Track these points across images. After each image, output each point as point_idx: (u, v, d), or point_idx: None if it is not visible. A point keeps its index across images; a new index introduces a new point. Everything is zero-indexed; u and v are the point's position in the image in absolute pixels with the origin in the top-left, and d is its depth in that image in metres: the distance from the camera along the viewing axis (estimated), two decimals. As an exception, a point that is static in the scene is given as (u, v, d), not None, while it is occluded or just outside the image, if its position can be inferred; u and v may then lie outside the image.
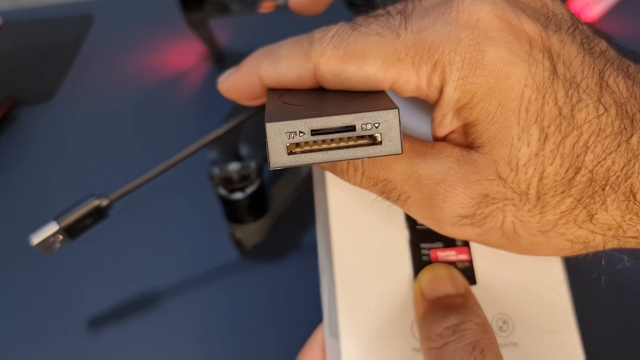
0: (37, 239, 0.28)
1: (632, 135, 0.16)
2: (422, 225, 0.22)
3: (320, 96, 0.18)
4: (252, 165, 0.36)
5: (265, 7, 0.55)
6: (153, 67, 0.60)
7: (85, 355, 0.35)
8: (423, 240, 0.22)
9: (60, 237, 0.28)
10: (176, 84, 0.57)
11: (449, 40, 0.17)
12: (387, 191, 0.19)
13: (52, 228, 0.28)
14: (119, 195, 0.28)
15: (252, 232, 0.39)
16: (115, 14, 0.69)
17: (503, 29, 0.17)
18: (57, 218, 0.28)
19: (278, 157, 0.16)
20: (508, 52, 0.16)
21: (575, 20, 0.18)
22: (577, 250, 0.18)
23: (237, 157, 0.38)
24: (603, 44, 0.18)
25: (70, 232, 0.28)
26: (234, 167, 0.36)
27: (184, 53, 0.61)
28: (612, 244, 0.18)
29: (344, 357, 0.20)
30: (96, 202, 0.28)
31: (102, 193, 0.28)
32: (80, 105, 0.56)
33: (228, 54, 0.59)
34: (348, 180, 0.20)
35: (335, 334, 0.21)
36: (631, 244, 0.18)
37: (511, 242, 0.19)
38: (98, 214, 0.29)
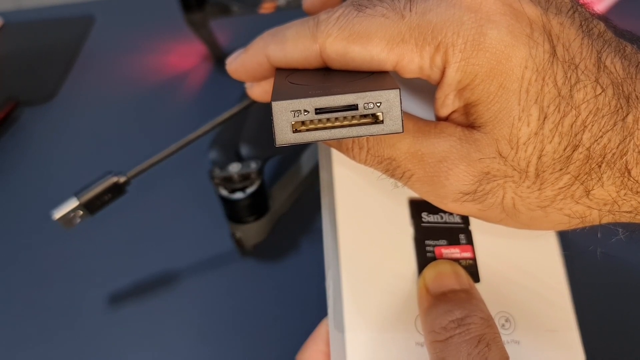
0: (58, 213, 0.29)
1: (627, 114, 0.17)
2: (427, 222, 0.23)
3: (326, 76, 0.19)
4: (253, 165, 0.37)
5: (266, 8, 0.55)
6: (154, 67, 0.60)
7: (78, 337, 0.36)
8: (428, 238, 0.22)
9: (80, 212, 0.29)
10: (177, 85, 0.57)
11: (452, 22, 0.17)
12: (391, 169, 0.20)
13: (72, 203, 0.29)
14: (136, 172, 0.29)
15: (252, 232, 0.39)
16: (116, 15, 0.70)
17: (505, 13, 0.17)
18: (77, 194, 0.29)
19: (283, 135, 0.16)
20: (509, 35, 0.17)
21: (574, 3, 0.18)
22: (574, 224, 0.19)
23: (238, 158, 0.38)
24: (601, 26, 0.18)
25: (90, 207, 0.29)
26: (234, 167, 0.37)
27: (184, 54, 0.61)
28: (607, 219, 0.19)
29: (349, 350, 0.21)
30: (114, 179, 0.29)
31: (119, 171, 0.30)
32: (81, 106, 0.57)
33: (228, 55, 0.59)
34: (353, 158, 0.21)
35: (340, 327, 0.21)
36: (626, 218, 0.19)
37: (511, 218, 0.19)
38: (116, 190, 0.30)
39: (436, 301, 0.20)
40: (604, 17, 0.19)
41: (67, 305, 0.38)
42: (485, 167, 0.18)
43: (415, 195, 0.22)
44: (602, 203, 0.18)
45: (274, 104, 0.16)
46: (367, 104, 0.16)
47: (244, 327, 0.36)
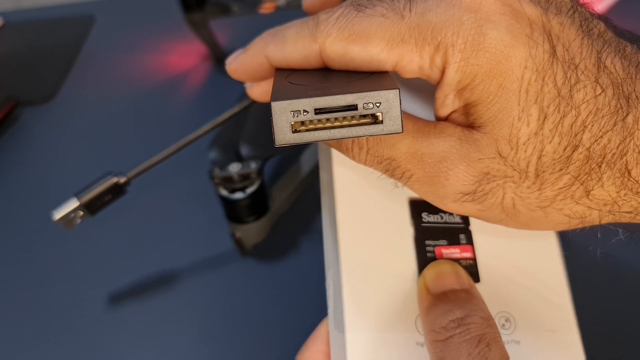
0: (58, 214, 0.29)
1: (627, 114, 0.17)
2: (427, 222, 0.23)
3: (326, 76, 0.19)
4: (253, 165, 0.37)
5: (266, 8, 0.55)
6: (154, 67, 0.60)
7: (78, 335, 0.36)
8: (428, 238, 0.22)
9: (81, 213, 0.29)
10: (177, 85, 0.57)
11: (452, 22, 0.17)
12: (391, 169, 0.20)
13: (72, 204, 0.29)
14: (137, 173, 0.29)
15: (252, 232, 0.39)
16: (116, 15, 0.70)
17: (504, 13, 0.17)
18: (77, 194, 0.29)
19: (283, 135, 0.16)
20: (509, 35, 0.17)
21: (574, 3, 0.18)
22: (574, 224, 0.19)
23: (238, 158, 0.38)
24: (601, 26, 0.18)
25: (90, 208, 0.30)
26: (234, 167, 0.37)
27: (184, 54, 0.61)
28: (607, 219, 0.19)
29: (349, 350, 0.21)
30: (114, 179, 0.30)
31: (119, 171, 0.30)
32: (81, 106, 0.57)
33: (228, 55, 0.59)
34: (353, 158, 0.21)
35: (340, 327, 0.21)
36: (626, 218, 0.19)
37: (511, 218, 0.19)
38: (117, 191, 0.30)
39: (436, 301, 0.20)
40: (604, 17, 0.19)
41: (67, 305, 0.38)
42: (485, 167, 0.18)
43: (415, 195, 0.22)
44: (602, 203, 0.18)
45: (273, 104, 0.16)
46: (367, 104, 0.16)
47: (244, 327, 0.36)
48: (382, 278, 0.22)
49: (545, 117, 0.17)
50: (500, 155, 0.18)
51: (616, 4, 0.58)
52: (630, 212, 0.18)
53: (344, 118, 0.16)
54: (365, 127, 0.16)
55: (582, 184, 0.17)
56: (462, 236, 0.23)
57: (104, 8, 0.71)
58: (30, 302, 0.39)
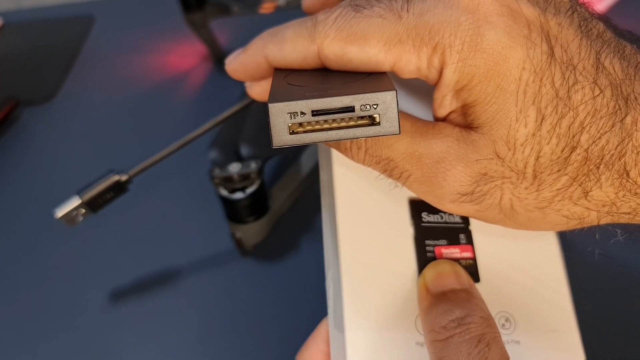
0: (60, 212, 0.29)
1: (626, 115, 0.17)
2: (427, 222, 0.23)
3: (324, 77, 0.19)
4: (253, 165, 0.37)
5: (266, 8, 0.55)
6: (154, 67, 0.60)
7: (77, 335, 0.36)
8: (428, 237, 0.22)
9: (83, 210, 0.30)
10: (177, 85, 0.57)
11: (450, 23, 0.17)
12: (389, 169, 0.20)
13: (74, 202, 0.29)
14: (138, 171, 0.30)
15: (252, 232, 0.39)
16: (116, 15, 0.70)
17: (502, 14, 0.17)
18: (79, 192, 0.30)
19: (280, 137, 0.16)
20: (507, 36, 0.17)
21: (573, 3, 0.18)
22: (572, 225, 0.19)
23: (238, 158, 0.38)
24: (600, 26, 0.18)
25: (92, 205, 0.30)
26: (234, 167, 0.37)
27: (184, 54, 0.61)
28: (606, 220, 0.19)
29: (349, 349, 0.21)
30: (116, 177, 0.30)
31: (121, 169, 0.30)
32: (81, 106, 0.57)
33: (228, 55, 0.59)
34: (352, 158, 0.21)
35: (340, 327, 0.21)
36: (624, 219, 0.19)
37: (509, 218, 0.19)
38: (118, 189, 0.30)
39: (436, 301, 0.20)
40: (603, 17, 0.19)
41: (67, 304, 0.38)
42: (482, 168, 0.18)
43: (415, 195, 0.22)
44: (601, 204, 0.18)
45: (270, 105, 0.16)
46: (364, 105, 0.16)
47: (243, 327, 0.36)
48: (382, 278, 0.22)
49: (543, 118, 0.17)
50: (497, 156, 0.18)
51: (616, 3, 0.58)
52: (628, 213, 0.18)
53: (342, 119, 0.16)
54: (362, 128, 0.16)
55: (580, 185, 0.17)
56: (462, 236, 0.23)
57: (104, 8, 0.71)
58: (30, 301, 0.39)
